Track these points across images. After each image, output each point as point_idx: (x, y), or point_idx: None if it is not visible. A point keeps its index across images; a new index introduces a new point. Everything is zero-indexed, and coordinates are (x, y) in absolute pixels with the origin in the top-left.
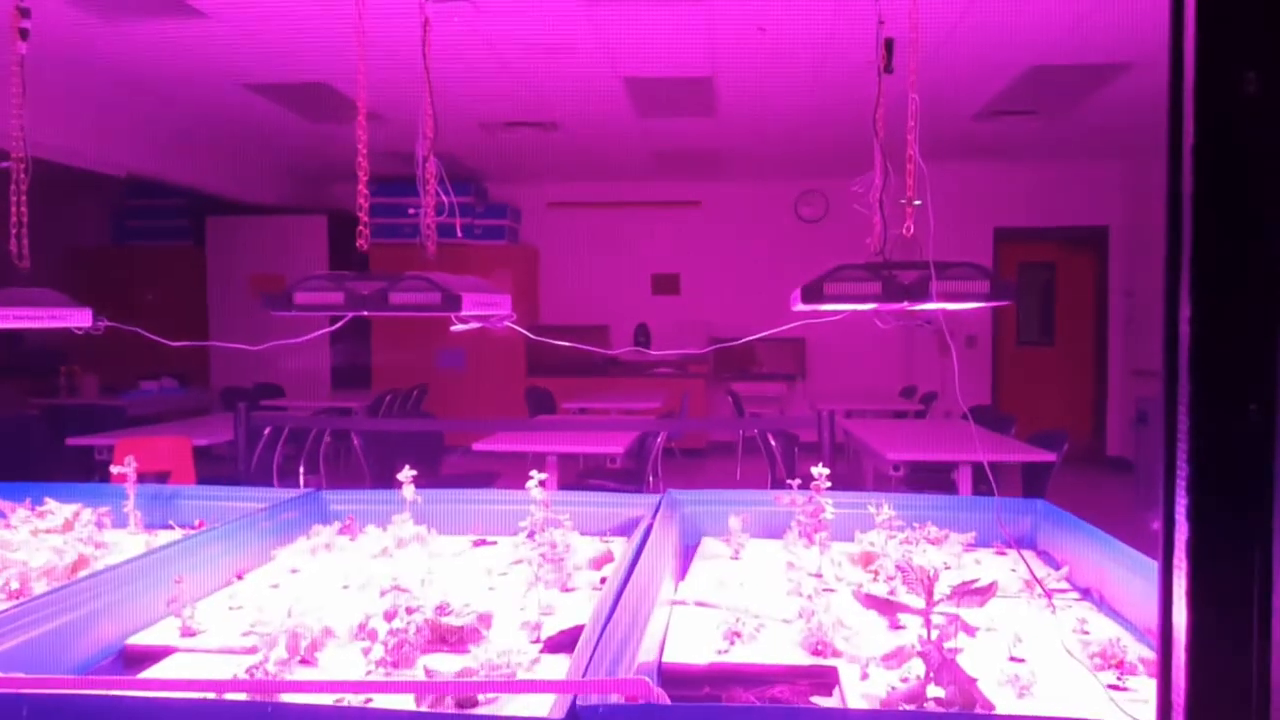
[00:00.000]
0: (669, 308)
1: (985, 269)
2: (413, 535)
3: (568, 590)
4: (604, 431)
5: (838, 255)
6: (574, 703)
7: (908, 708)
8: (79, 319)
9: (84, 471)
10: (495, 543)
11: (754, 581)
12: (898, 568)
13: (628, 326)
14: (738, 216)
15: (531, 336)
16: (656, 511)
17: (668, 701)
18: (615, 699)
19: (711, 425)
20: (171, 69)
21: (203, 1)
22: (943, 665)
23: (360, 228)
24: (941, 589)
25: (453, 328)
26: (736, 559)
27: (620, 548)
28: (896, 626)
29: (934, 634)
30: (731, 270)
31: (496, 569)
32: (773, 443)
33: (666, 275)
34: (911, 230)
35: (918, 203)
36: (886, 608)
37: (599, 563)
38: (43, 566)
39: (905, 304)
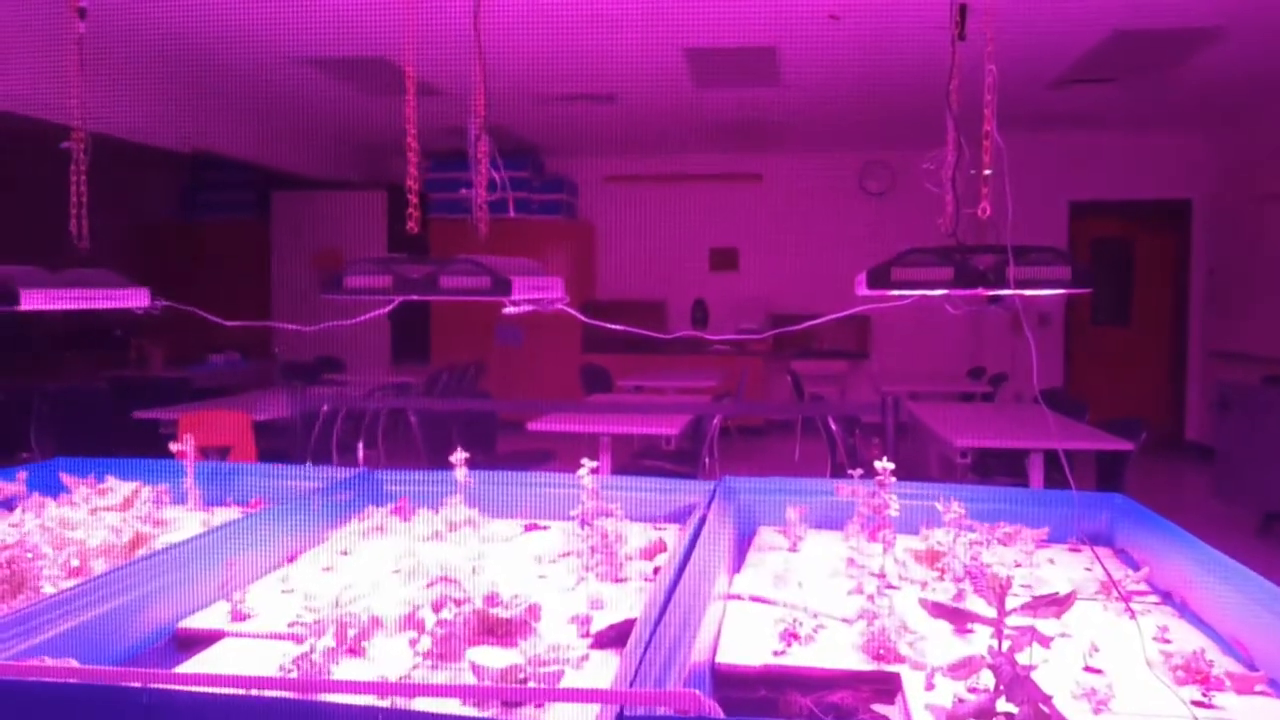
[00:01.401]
0: (727, 283)
1: (1065, 254)
2: (464, 519)
3: (619, 581)
4: (659, 414)
5: (904, 230)
6: (621, 712)
7: None
8: (136, 299)
9: (151, 443)
10: (547, 527)
11: (812, 577)
12: (968, 572)
13: (685, 302)
14: (799, 190)
15: (584, 319)
16: (711, 499)
17: (720, 715)
18: (663, 710)
19: (769, 409)
20: (233, 44)
21: None
22: (1015, 680)
23: (410, 209)
24: (1014, 599)
25: (504, 310)
26: (794, 551)
27: (673, 536)
28: (964, 632)
29: (1005, 645)
30: (792, 245)
31: (547, 556)
32: (833, 427)
33: (725, 250)
34: (988, 211)
35: (988, 172)
36: (956, 618)
37: (651, 552)
38: (100, 545)
39: (979, 291)
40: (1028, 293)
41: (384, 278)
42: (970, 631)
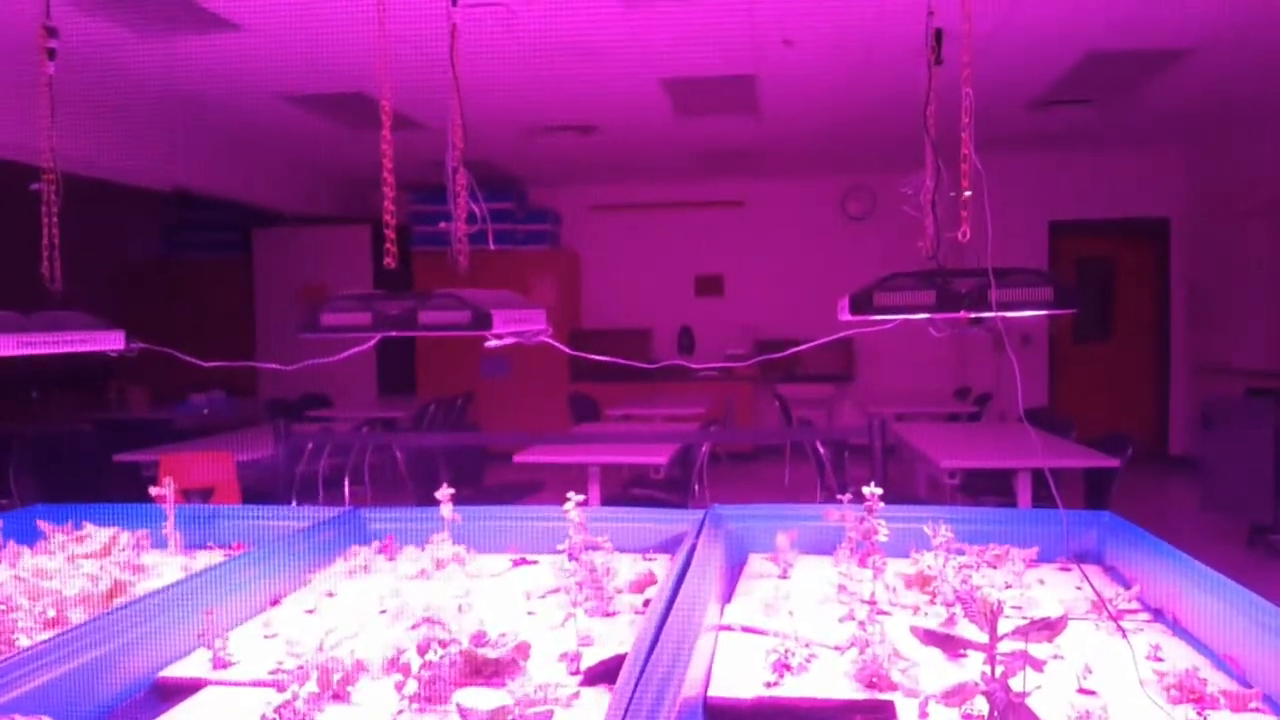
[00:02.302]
0: (713, 309)
1: (1047, 274)
2: (451, 556)
3: (609, 615)
4: (647, 442)
5: (886, 253)
6: None
7: None
8: (111, 342)
9: (133, 486)
10: (536, 561)
11: (803, 605)
12: (958, 597)
13: (671, 329)
14: (782, 215)
15: (568, 351)
16: (701, 528)
17: None
18: None
19: (758, 435)
20: (210, 83)
21: (236, 14)
22: (1009, 707)
23: (388, 245)
24: (1006, 622)
25: (486, 344)
26: (785, 578)
27: (663, 567)
28: (956, 657)
29: (999, 670)
30: (776, 270)
31: (536, 592)
32: (821, 450)
33: (710, 276)
34: (968, 235)
35: (968, 194)
36: (948, 645)
37: (640, 585)
38: (77, 594)
39: (961, 314)
40: (1010, 315)
41: (363, 315)
42: (963, 655)
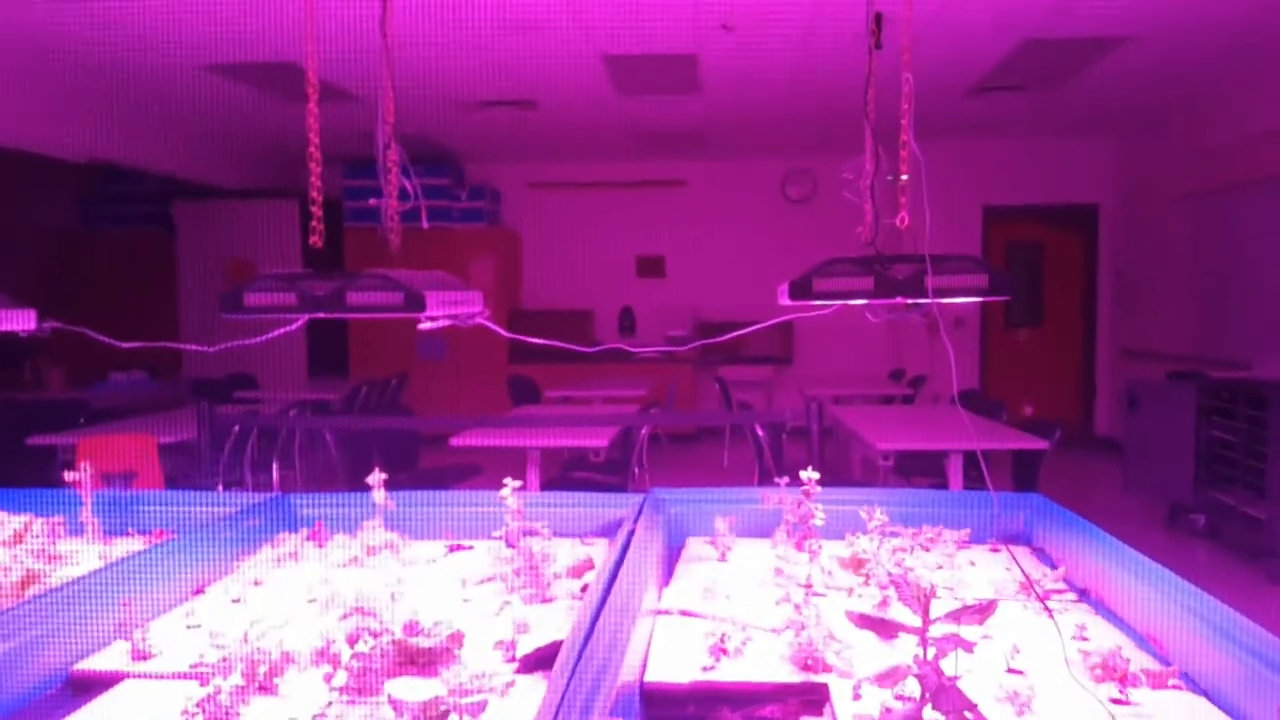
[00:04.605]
0: (654, 290)
1: (982, 261)
2: (383, 543)
3: (546, 601)
4: (587, 425)
5: (826, 237)
6: None
7: None
8: (21, 322)
9: (47, 471)
10: (471, 547)
11: (741, 588)
12: (892, 580)
13: (612, 310)
14: (723, 197)
15: (505, 334)
16: (640, 512)
17: None
18: None
19: (698, 417)
20: (131, 50)
21: None
22: (940, 689)
23: (314, 222)
24: (938, 606)
25: (420, 326)
26: (723, 561)
27: (601, 552)
28: (890, 639)
29: (930, 653)
30: (718, 252)
31: (471, 579)
32: (760, 433)
33: (651, 258)
34: (906, 221)
35: (905, 178)
36: (881, 628)
37: (579, 570)
38: None
39: (898, 300)
40: (946, 301)
41: (288, 295)
42: (895, 637)
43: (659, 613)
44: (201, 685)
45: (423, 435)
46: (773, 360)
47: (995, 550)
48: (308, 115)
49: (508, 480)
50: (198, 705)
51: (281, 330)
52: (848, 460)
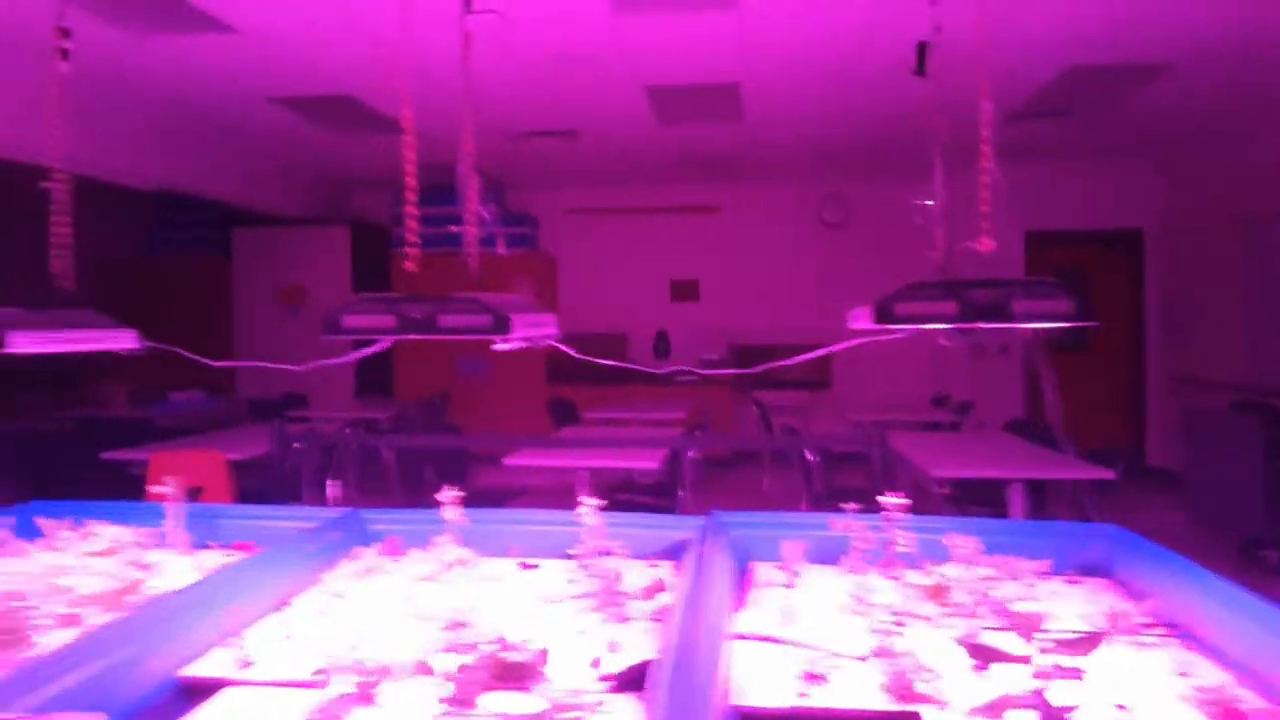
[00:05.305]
0: (688, 314)
1: (1064, 285)
2: (456, 558)
3: (623, 621)
4: (636, 447)
5: (860, 260)
6: None
7: None
8: (124, 341)
9: (116, 485)
10: (537, 565)
11: (818, 615)
12: (992, 610)
13: (647, 334)
14: (758, 221)
15: (577, 355)
16: (704, 535)
17: None
18: None
19: (748, 441)
20: (199, 84)
21: (230, 16)
22: None
23: (408, 248)
24: (1043, 636)
25: (495, 346)
26: (791, 588)
27: (667, 574)
28: (981, 669)
29: (1035, 683)
30: (752, 276)
31: (548, 597)
32: (810, 458)
33: (686, 282)
34: (991, 246)
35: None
36: (992, 658)
37: (651, 591)
38: (92, 593)
39: (982, 324)
40: (1031, 326)
41: (386, 317)
42: (986, 668)
43: (737, 637)
44: (305, 691)
45: (468, 455)
46: (810, 384)
47: (1074, 582)
48: (404, 148)
49: (584, 499)
50: (320, 711)
51: (367, 351)
52: (895, 488)
